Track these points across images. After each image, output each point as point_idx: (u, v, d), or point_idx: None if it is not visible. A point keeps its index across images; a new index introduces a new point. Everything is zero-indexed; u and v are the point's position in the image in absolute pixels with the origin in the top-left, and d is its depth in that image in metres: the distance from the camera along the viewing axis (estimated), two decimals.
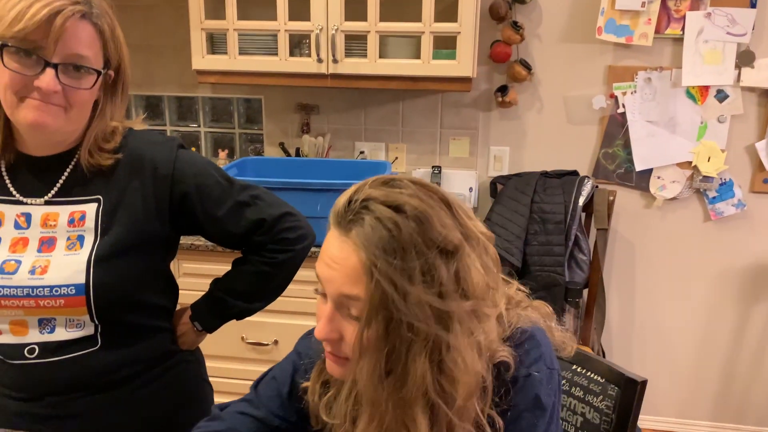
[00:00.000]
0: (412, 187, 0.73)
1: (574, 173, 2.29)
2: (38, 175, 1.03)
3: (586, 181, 2.23)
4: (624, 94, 2.27)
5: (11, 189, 1.03)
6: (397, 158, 2.46)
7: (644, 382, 0.97)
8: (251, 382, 2.06)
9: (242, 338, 2.05)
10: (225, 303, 1.16)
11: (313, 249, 1.19)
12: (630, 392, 0.98)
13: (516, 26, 2.21)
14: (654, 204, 2.34)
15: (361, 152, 2.49)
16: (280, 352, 2.05)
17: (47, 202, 1.03)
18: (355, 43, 2.11)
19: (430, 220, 0.70)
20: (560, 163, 2.34)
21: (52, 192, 1.03)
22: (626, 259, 2.41)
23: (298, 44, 2.21)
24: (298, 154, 2.46)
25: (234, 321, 1.20)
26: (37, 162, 1.02)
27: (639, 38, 2.20)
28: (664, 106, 2.25)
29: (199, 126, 2.59)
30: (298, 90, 2.43)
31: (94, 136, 1.02)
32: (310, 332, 0.90)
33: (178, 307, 1.20)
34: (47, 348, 1.01)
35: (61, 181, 1.03)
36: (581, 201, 2.18)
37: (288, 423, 0.90)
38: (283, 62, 2.12)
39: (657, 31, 2.19)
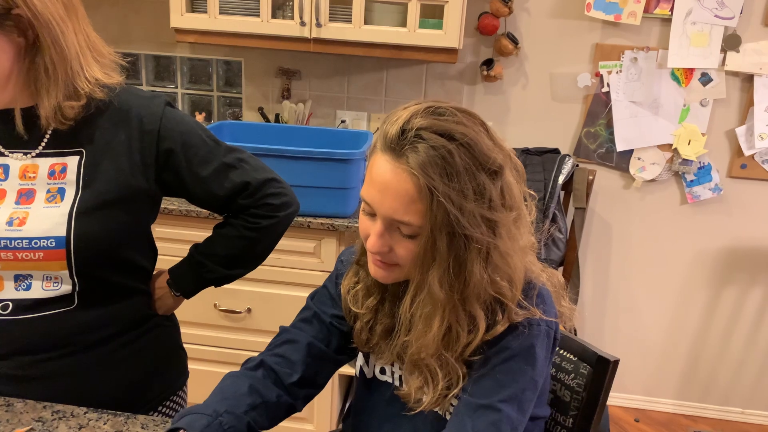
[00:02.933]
0: (458, 114, 0.81)
1: (556, 151, 2.28)
2: (14, 127, 0.98)
3: (566, 159, 2.23)
4: (609, 73, 2.25)
5: None
6: (378, 128, 2.42)
7: (616, 362, 0.98)
8: (224, 350, 2.06)
9: (215, 305, 2.02)
10: (204, 267, 1.14)
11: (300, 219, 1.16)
12: (602, 371, 0.98)
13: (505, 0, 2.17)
14: (633, 185, 2.35)
15: (343, 121, 2.44)
16: (253, 319, 2.03)
17: (28, 155, 0.99)
18: (340, 8, 2.05)
19: (478, 145, 0.79)
20: (543, 140, 2.33)
21: (35, 147, 0.99)
22: (602, 238, 2.43)
23: (281, 6, 2.14)
24: (277, 120, 2.41)
25: (208, 288, 1.18)
26: (10, 113, 0.97)
27: (627, 17, 2.18)
28: (649, 87, 2.24)
29: (176, 87, 2.52)
30: (280, 54, 2.37)
31: (42, 88, 0.95)
32: (350, 247, 1.05)
33: (154, 272, 1.17)
34: (21, 305, 0.98)
35: (42, 135, 0.99)
36: (561, 179, 2.18)
37: (339, 320, 1.01)
38: (265, 24, 2.06)
39: (646, 11, 2.17)
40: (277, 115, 2.41)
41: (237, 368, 0.99)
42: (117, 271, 1.05)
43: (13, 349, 1.01)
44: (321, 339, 1.01)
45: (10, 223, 0.97)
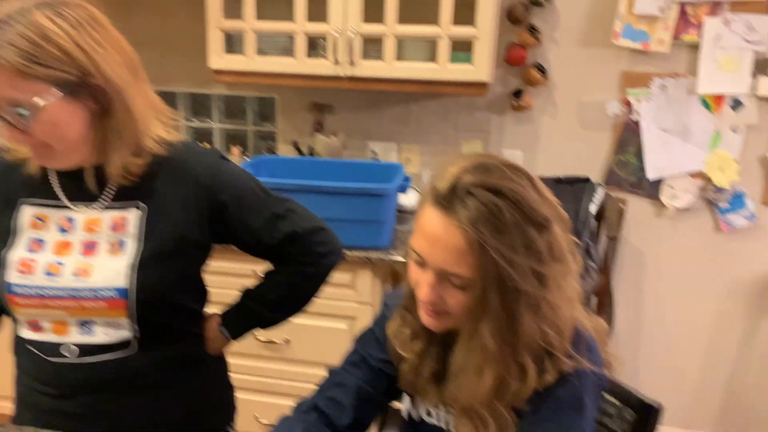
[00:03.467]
0: (505, 170, 0.84)
1: (586, 180, 2.29)
2: (82, 182, 1.05)
3: (597, 188, 2.24)
4: (638, 100, 2.26)
5: (59, 194, 1.06)
6: (409, 159, 2.47)
7: (660, 409, 0.99)
8: (263, 379, 2.12)
9: (254, 336, 2.07)
10: (253, 312, 1.20)
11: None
12: (646, 417, 1.00)
13: (533, 30, 2.21)
14: (665, 213, 2.34)
15: (373, 152, 2.49)
16: (291, 350, 2.08)
17: (92, 208, 1.06)
18: (372, 45, 2.11)
19: (526, 200, 0.82)
20: (573, 168, 2.35)
21: (99, 200, 1.06)
22: (636, 267, 2.42)
23: (314, 45, 2.21)
24: (311, 152, 2.47)
25: None
26: (80, 170, 1.04)
27: (656, 44, 2.20)
28: (678, 114, 2.25)
29: (212, 122, 2.60)
30: (313, 89, 2.44)
31: (111, 149, 1.01)
32: (395, 291, 1.09)
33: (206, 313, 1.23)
34: (85, 349, 1.04)
35: (107, 190, 1.06)
36: (592, 208, 2.19)
37: (384, 364, 1.04)
38: (300, 63, 2.13)
39: (674, 37, 2.18)
40: (310, 148, 2.47)
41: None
42: (172, 317, 1.11)
43: (77, 389, 1.07)
44: (369, 383, 1.04)
45: (76, 274, 1.03)
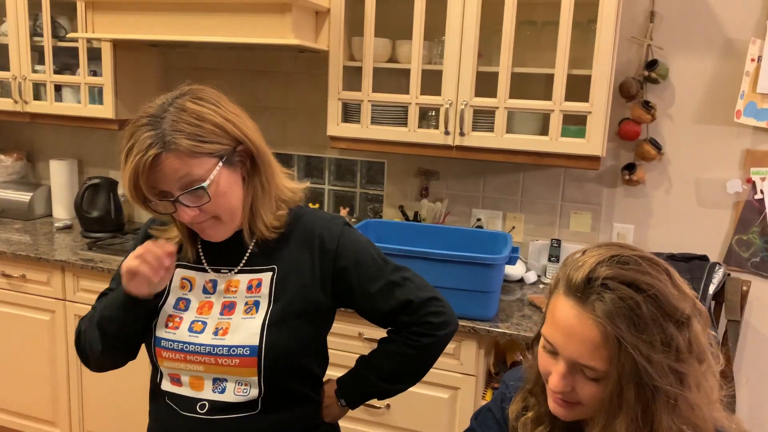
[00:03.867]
0: (642, 263, 0.83)
1: (704, 258, 2.19)
2: (226, 250, 1.16)
3: (717, 267, 2.13)
4: (763, 179, 2.16)
5: (203, 262, 1.17)
6: (514, 227, 2.47)
7: None
8: None
9: None
10: (369, 381, 1.23)
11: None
12: None
13: (647, 106, 2.19)
14: None
15: (478, 219, 2.51)
16: (391, 416, 2.08)
17: (232, 272, 1.15)
18: (482, 117, 2.16)
19: (665, 296, 0.81)
20: (688, 246, 2.25)
21: (239, 266, 1.15)
22: (760, 353, 2.25)
23: (424, 115, 2.30)
24: (416, 217, 2.53)
25: None
26: (224, 241, 1.14)
27: None
28: None
29: (324, 183, 2.74)
30: (421, 156, 2.51)
31: (255, 210, 1.12)
32: (515, 369, 1.09)
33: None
34: (216, 406, 1.11)
35: (245, 257, 1.15)
36: (711, 289, 2.08)
37: None
38: (412, 133, 2.22)
39: None
40: (415, 213, 2.53)
41: None
42: (296, 379, 1.16)
43: None
44: None
45: (215, 332, 1.11)
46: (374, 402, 2.07)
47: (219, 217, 1.08)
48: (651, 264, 0.84)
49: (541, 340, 0.90)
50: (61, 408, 2.54)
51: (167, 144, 1.00)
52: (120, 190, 2.82)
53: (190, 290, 1.16)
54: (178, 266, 1.17)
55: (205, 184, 1.03)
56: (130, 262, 1.05)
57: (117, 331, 1.12)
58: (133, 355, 1.19)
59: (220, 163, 1.05)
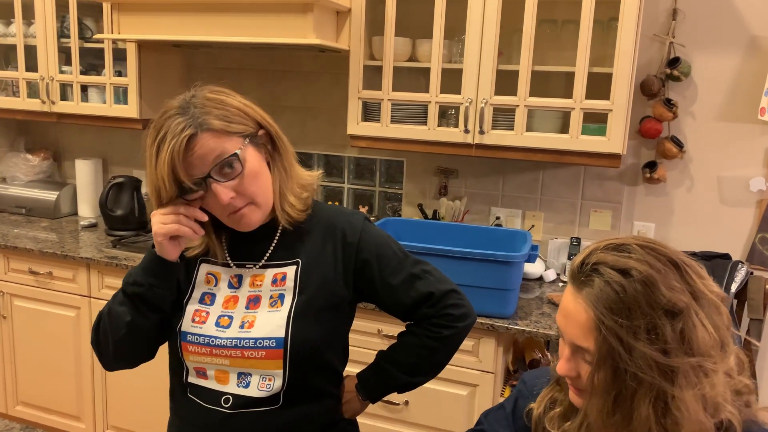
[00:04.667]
0: (641, 251, 0.82)
1: (726, 256, 2.17)
2: (251, 245, 1.17)
3: (739, 266, 2.11)
4: None
5: (228, 258, 1.18)
6: (533, 226, 2.47)
7: None
8: None
9: None
10: (389, 374, 1.24)
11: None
12: None
13: (669, 103, 2.18)
14: None
15: (497, 218, 2.52)
16: (410, 412, 2.09)
17: (257, 267, 1.17)
18: (502, 115, 2.17)
19: (656, 284, 0.79)
20: (710, 244, 2.24)
21: (263, 260, 1.17)
22: None
23: (446, 114, 2.31)
24: (435, 215, 2.54)
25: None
26: (250, 235, 1.16)
27: None
28: None
29: (343, 182, 2.76)
30: (439, 154, 2.52)
31: (280, 192, 1.14)
32: (537, 369, 1.11)
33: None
34: (239, 401, 1.12)
35: (269, 251, 1.17)
36: (733, 287, 2.06)
37: None
38: (431, 131, 2.23)
39: None
40: (434, 211, 2.54)
41: None
42: (318, 373, 1.17)
43: None
44: None
45: (242, 326, 1.13)
46: (393, 398, 2.09)
47: (255, 201, 1.10)
48: (654, 253, 0.82)
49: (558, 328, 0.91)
50: (85, 403, 2.60)
51: (200, 124, 1.04)
52: (143, 189, 2.87)
53: (215, 285, 1.18)
54: (202, 261, 1.19)
55: (237, 152, 1.06)
56: (167, 226, 1.07)
57: (147, 293, 1.11)
58: (151, 353, 1.19)
59: (248, 143, 1.08)
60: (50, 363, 2.62)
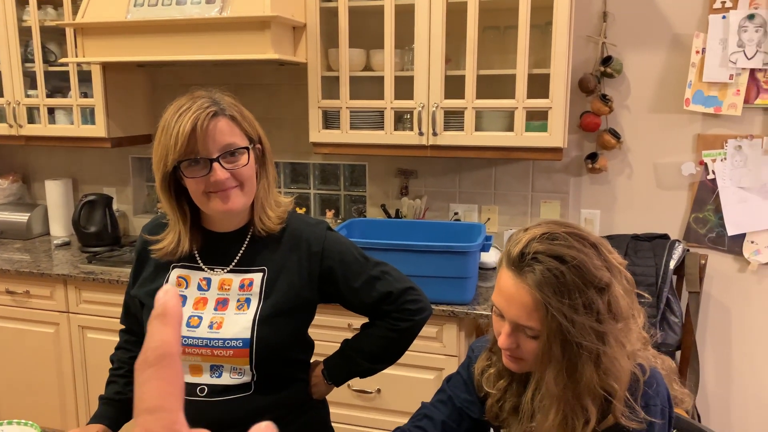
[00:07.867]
0: (569, 239, 0.98)
1: (665, 237, 2.36)
2: (220, 250, 1.29)
3: (676, 244, 2.30)
4: (714, 161, 2.34)
5: (199, 261, 1.30)
6: (489, 219, 2.63)
7: None
8: (356, 427, 2.33)
9: (348, 385, 2.24)
10: (353, 361, 1.37)
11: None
12: None
13: (605, 99, 2.36)
14: (748, 268, 2.36)
15: (456, 213, 2.67)
16: (382, 399, 2.22)
17: (225, 271, 1.28)
18: (453, 118, 2.33)
19: (586, 265, 0.95)
20: (651, 226, 2.43)
21: (231, 265, 1.29)
22: (721, 322, 2.42)
23: (400, 119, 2.46)
24: (397, 214, 2.68)
25: None
26: (221, 238, 1.28)
27: (728, 108, 2.29)
28: (756, 172, 2.30)
29: (309, 188, 2.88)
30: (399, 157, 2.67)
31: (261, 202, 1.26)
32: (481, 338, 1.25)
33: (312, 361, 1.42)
34: (214, 390, 1.24)
35: (238, 256, 1.29)
36: (672, 264, 2.25)
37: (469, 404, 1.19)
38: (389, 135, 2.37)
39: (746, 101, 2.26)
40: (397, 210, 2.69)
41: None
42: (284, 365, 1.30)
43: (204, 425, 1.25)
44: (453, 420, 1.19)
45: (210, 326, 1.24)
46: (365, 387, 2.23)
47: (243, 186, 1.21)
48: (578, 239, 0.98)
49: (493, 305, 1.06)
50: (69, 417, 2.66)
51: (223, 110, 1.19)
52: (115, 206, 2.95)
53: (186, 287, 1.28)
54: (174, 266, 1.30)
55: (249, 146, 1.20)
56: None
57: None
58: None
59: (252, 145, 1.22)
60: (32, 380, 2.68)
